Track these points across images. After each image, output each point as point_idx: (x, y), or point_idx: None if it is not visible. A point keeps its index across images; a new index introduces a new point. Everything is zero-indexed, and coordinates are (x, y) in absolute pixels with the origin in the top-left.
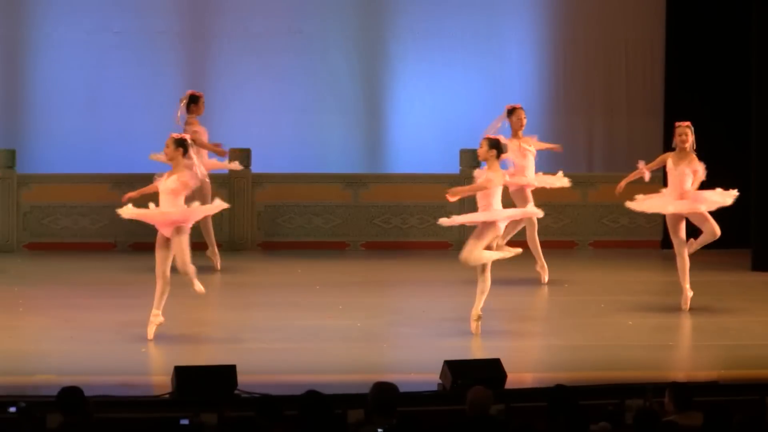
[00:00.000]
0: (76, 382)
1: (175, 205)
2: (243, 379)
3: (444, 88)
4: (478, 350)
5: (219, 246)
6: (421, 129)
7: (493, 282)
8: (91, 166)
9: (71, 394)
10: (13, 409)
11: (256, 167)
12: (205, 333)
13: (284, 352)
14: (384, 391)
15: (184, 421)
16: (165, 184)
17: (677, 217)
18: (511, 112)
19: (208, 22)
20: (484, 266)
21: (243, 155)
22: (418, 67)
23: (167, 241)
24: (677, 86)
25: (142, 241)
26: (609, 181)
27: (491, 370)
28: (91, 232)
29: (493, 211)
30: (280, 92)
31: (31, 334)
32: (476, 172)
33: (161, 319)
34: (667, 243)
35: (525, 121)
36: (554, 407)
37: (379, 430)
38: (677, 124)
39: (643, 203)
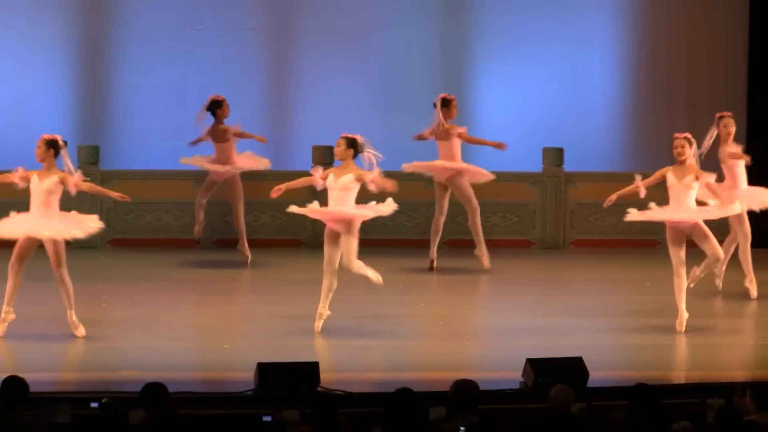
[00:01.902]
0: (159, 378)
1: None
2: (325, 376)
3: (527, 88)
4: (560, 348)
5: (301, 244)
6: (504, 128)
7: (575, 280)
8: (174, 163)
9: (154, 390)
10: (95, 405)
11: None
12: (288, 330)
13: (366, 349)
14: (465, 388)
15: (267, 418)
16: (44, 185)
17: (679, 232)
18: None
19: (291, 19)
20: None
21: (326, 153)
22: (500, 66)
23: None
24: (760, 86)
25: (225, 238)
26: None
27: (573, 368)
28: (175, 228)
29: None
30: (363, 90)
31: (114, 330)
32: (312, 170)
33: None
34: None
35: (732, 130)
36: (636, 406)
37: (462, 427)
38: (675, 135)
39: (645, 214)
